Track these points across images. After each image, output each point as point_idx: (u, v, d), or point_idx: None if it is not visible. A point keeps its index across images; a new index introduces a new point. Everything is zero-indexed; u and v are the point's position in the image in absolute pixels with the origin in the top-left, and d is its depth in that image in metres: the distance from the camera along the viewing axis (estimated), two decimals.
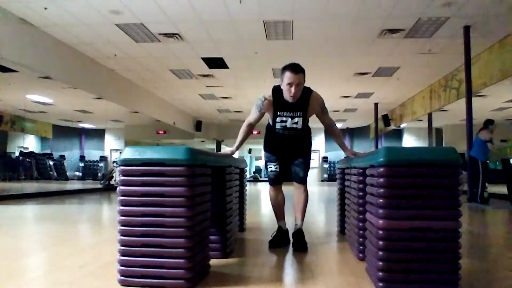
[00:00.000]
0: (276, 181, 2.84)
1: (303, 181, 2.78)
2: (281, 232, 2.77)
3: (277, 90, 2.58)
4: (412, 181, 1.68)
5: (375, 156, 1.77)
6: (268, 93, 2.62)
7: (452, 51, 7.30)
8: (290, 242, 2.72)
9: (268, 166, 2.85)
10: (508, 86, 8.92)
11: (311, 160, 2.94)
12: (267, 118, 2.80)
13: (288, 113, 2.59)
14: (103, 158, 18.96)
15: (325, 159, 18.29)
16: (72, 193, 9.63)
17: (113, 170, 12.58)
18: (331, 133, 2.81)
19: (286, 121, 2.62)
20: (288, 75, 2.46)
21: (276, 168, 2.81)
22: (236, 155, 2.80)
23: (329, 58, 7.96)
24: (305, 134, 2.79)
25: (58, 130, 18.27)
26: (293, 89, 2.45)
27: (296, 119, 2.60)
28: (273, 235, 2.76)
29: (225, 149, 2.63)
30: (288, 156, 2.80)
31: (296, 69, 2.47)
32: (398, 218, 1.67)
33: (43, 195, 8.37)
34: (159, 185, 1.75)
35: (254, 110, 2.67)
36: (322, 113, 2.70)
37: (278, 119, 2.63)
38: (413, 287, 1.64)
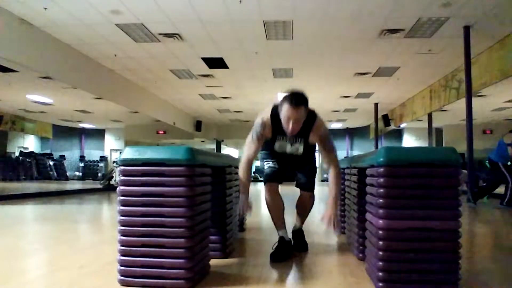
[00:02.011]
0: (273, 178, 2.45)
1: (310, 188, 2.58)
2: (284, 243, 2.39)
3: (276, 115, 2.26)
4: (412, 181, 1.68)
5: (375, 156, 1.77)
6: (267, 115, 2.31)
7: (452, 51, 7.30)
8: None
9: (266, 162, 2.53)
10: (508, 86, 8.92)
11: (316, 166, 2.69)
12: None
13: (287, 138, 2.35)
14: (103, 158, 18.97)
15: None
16: (72, 193, 9.63)
17: (113, 170, 12.58)
18: (329, 175, 2.31)
19: (285, 146, 2.39)
20: (286, 108, 2.12)
21: (274, 164, 2.49)
22: (233, 153, 2.65)
23: (329, 58, 7.96)
24: (309, 153, 2.50)
25: (58, 130, 18.28)
26: (291, 124, 2.14)
27: (296, 145, 2.37)
28: (274, 247, 2.36)
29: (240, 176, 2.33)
30: (290, 166, 2.60)
31: (296, 102, 2.11)
32: (398, 218, 1.67)
33: (43, 195, 8.37)
34: (159, 185, 1.75)
35: (251, 140, 2.32)
36: (324, 148, 2.32)
37: (276, 144, 2.39)
38: (413, 287, 1.64)
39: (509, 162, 6.09)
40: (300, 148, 2.38)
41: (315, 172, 2.63)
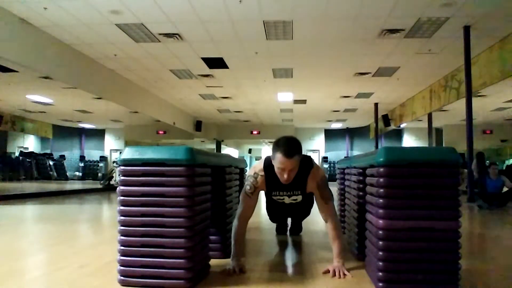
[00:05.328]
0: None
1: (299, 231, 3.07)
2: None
3: (269, 167, 2.18)
4: (412, 181, 1.68)
5: (375, 156, 1.77)
6: (260, 166, 2.24)
7: (452, 51, 7.30)
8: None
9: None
10: (508, 86, 8.93)
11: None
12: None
13: (284, 192, 2.29)
14: (103, 158, 18.96)
15: (325, 159, 18.29)
16: (72, 193, 9.62)
17: (113, 170, 12.59)
18: (327, 228, 2.18)
19: (283, 199, 2.34)
20: (279, 158, 2.04)
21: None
22: (233, 153, 2.70)
23: (329, 58, 7.96)
24: (308, 202, 2.55)
25: (58, 130, 18.27)
26: (285, 175, 2.07)
27: (294, 197, 2.32)
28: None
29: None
30: (287, 216, 2.94)
31: (289, 153, 2.02)
32: (398, 218, 1.67)
33: (43, 195, 8.37)
34: (159, 185, 1.75)
35: (245, 195, 2.19)
36: (321, 197, 2.19)
37: (274, 198, 2.35)
38: (413, 287, 1.64)
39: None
40: (299, 198, 2.34)
41: (307, 215, 2.89)
